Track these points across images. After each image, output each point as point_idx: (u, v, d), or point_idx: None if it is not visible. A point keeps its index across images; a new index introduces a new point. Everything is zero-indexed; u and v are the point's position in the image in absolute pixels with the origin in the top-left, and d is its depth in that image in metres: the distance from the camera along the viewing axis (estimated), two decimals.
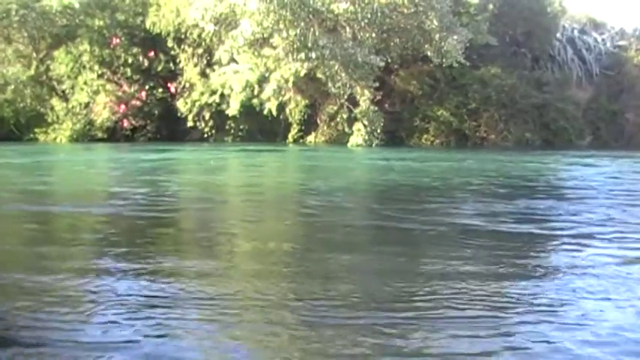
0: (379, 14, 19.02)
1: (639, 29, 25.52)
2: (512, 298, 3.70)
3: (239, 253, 5.14)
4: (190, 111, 21.76)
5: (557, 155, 16.66)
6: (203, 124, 21.86)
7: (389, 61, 20.41)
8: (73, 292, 3.73)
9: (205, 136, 21.94)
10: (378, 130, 20.30)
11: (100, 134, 21.49)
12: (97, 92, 21.83)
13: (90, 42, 22.04)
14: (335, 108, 20.97)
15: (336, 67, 19.52)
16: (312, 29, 18.97)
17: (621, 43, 25.06)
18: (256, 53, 20.14)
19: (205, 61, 22.03)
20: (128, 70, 22.04)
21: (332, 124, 21.28)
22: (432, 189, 9.52)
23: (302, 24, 18.89)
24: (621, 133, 23.23)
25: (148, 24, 22.10)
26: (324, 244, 5.48)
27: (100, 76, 22.04)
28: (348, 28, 19.74)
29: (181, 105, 21.88)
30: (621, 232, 5.75)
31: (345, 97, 20.38)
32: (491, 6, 21.97)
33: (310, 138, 21.58)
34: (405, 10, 19.43)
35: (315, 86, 20.79)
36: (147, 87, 21.99)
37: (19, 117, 21.91)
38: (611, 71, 23.96)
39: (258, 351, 2.95)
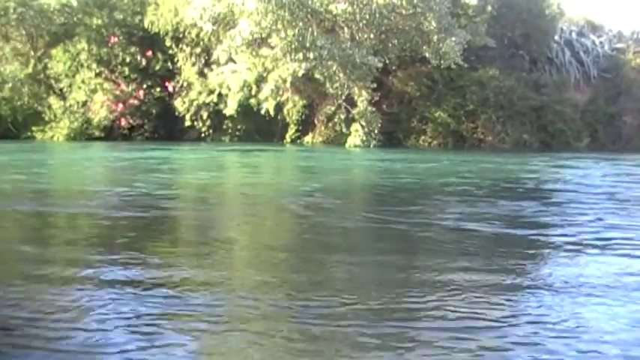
0: (377, 15, 19.03)
1: (637, 32, 25.54)
2: (505, 305, 3.67)
3: (229, 257, 5.13)
4: (188, 110, 21.73)
5: (554, 157, 16.67)
6: (201, 124, 21.84)
7: (387, 62, 20.41)
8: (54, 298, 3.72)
9: (203, 135, 21.92)
10: (376, 131, 20.29)
11: (97, 133, 21.45)
12: (94, 91, 21.78)
13: (88, 40, 21.99)
14: (333, 108, 20.95)
15: (334, 68, 19.51)
16: (310, 29, 18.97)
17: (619, 45, 25.07)
18: (254, 53, 20.13)
19: (203, 61, 22.00)
20: (126, 69, 22.00)
21: (329, 124, 21.27)
22: (420, 189, 9.52)
23: (300, 24, 18.89)
24: (619, 135, 23.24)
25: (146, 23, 22.06)
26: (314, 245, 5.49)
27: (97, 74, 21.99)
28: (346, 29, 19.74)
29: (179, 104, 21.86)
30: (614, 236, 5.73)
31: (343, 97, 20.37)
32: (489, 8, 21.98)
33: (308, 138, 21.57)
34: (404, 12, 19.43)
35: (313, 87, 20.79)
36: (144, 86, 21.95)
37: (17, 115, 21.85)
38: (609, 74, 23.96)
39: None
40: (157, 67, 22.20)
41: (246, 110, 21.04)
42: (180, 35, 21.99)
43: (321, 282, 4.17)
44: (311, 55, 18.97)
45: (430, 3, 19.29)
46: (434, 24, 19.40)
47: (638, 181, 11.56)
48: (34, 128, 21.71)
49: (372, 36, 19.74)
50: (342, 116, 20.74)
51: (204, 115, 21.69)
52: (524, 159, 15.99)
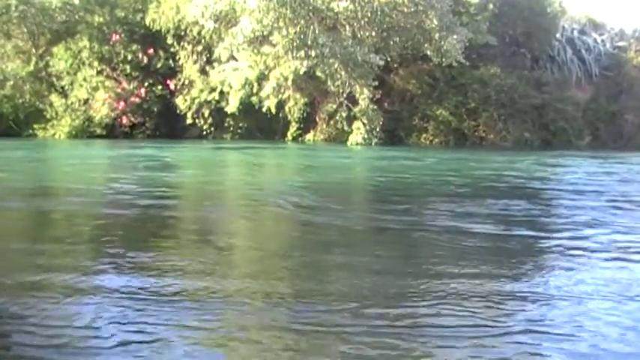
0: (379, 13, 19.01)
1: (639, 30, 25.50)
2: (502, 310, 3.64)
3: (224, 254, 5.14)
4: (189, 108, 21.74)
5: (556, 156, 16.66)
6: (202, 122, 21.84)
7: (388, 59, 20.40)
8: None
9: (204, 133, 21.93)
10: (377, 129, 20.29)
11: (98, 131, 21.46)
12: (96, 89, 21.79)
13: (89, 38, 22.01)
14: (334, 106, 20.95)
15: (336, 66, 19.50)
16: (311, 27, 18.95)
17: (621, 44, 25.04)
18: (256, 51, 20.12)
19: (205, 59, 22.00)
20: (127, 66, 22.00)
21: (331, 122, 21.27)
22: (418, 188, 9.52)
23: (302, 22, 18.88)
24: (620, 133, 23.23)
25: (147, 21, 22.06)
26: (308, 245, 5.50)
27: (99, 72, 22.00)
28: (347, 27, 19.73)
29: (180, 102, 21.86)
30: (612, 238, 5.68)
31: (345, 95, 20.37)
32: (491, 6, 21.96)
33: (309, 136, 21.57)
34: (405, 9, 19.41)
35: (315, 84, 20.78)
36: (146, 84, 21.95)
37: (18, 113, 21.86)
38: (611, 72, 23.95)
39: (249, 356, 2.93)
40: (159, 65, 22.20)
41: (248, 108, 21.04)
42: (182, 33, 21.98)
43: (315, 284, 4.16)
44: (312, 53, 18.97)
45: (432, 1, 19.27)
46: (435, 22, 19.39)
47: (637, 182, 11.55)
48: (35, 126, 21.72)
49: (373, 34, 19.74)
50: (344, 114, 20.74)
51: (206, 112, 21.69)
52: (525, 157, 15.99)
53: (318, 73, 19.90)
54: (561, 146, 20.76)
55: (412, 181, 10.56)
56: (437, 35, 19.56)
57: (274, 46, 19.69)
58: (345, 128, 20.77)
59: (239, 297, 3.67)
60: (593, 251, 5.10)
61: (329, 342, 3.03)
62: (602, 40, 24.94)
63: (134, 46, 22.08)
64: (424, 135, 21.54)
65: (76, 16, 22.23)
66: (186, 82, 22.09)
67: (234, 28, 19.50)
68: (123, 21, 22.33)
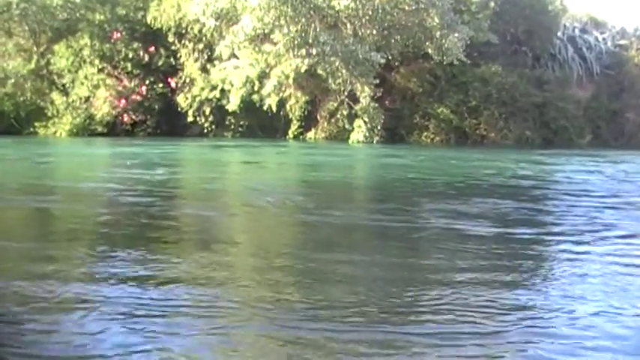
0: (380, 11, 19.00)
1: None
2: (501, 304, 3.65)
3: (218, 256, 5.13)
4: (190, 106, 21.74)
5: (556, 155, 16.65)
6: (203, 120, 21.84)
7: (389, 58, 20.39)
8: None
9: (205, 131, 21.93)
10: (378, 127, 20.28)
11: (100, 129, 21.46)
12: (97, 87, 21.78)
13: (90, 36, 22.00)
14: (335, 104, 20.94)
15: (337, 64, 19.49)
16: (312, 25, 18.94)
17: (622, 42, 25.00)
18: (257, 49, 20.12)
19: (206, 57, 21.99)
20: (129, 64, 22.00)
21: (332, 120, 21.26)
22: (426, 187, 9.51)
23: (303, 20, 18.87)
24: (621, 132, 23.21)
25: (148, 19, 22.05)
26: (300, 242, 5.50)
27: (100, 70, 21.99)
28: (349, 25, 19.71)
29: (181, 100, 21.86)
30: (609, 235, 5.69)
31: (346, 93, 20.37)
32: (492, 4, 21.93)
33: (310, 134, 21.56)
34: (406, 7, 19.39)
35: (316, 82, 20.77)
36: (147, 82, 21.94)
37: (19, 111, 21.85)
38: (612, 70, 23.91)
39: None
40: (160, 63, 22.20)
41: (249, 106, 21.03)
42: (183, 31, 21.98)
43: (308, 280, 4.16)
44: (314, 51, 18.96)
45: None
46: (437, 20, 19.37)
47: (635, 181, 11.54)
48: (36, 124, 21.72)
49: (374, 32, 19.72)
50: (345, 112, 20.74)
51: (207, 110, 21.69)
52: (526, 156, 15.98)
53: (319, 71, 19.89)
54: (562, 145, 20.75)
55: (412, 179, 10.55)
56: (438, 33, 19.54)
57: (275, 44, 19.68)
58: (347, 126, 20.77)
59: (236, 301, 3.68)
60: (591, 253, 5.09)
61: (321, 347, 3.02)
62: (604, 39, 24.91)
63: (135, 44, 22.08)
64: (425, 133, 21.53)
65: (77, 14, 22.22)
66: (188, 80, 22.09)
67: (235, 26, 19.49)
68: (124, 19, 22.33)
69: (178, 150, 16.70)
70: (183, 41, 22.22)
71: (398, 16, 19.60)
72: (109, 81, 21.81)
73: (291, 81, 20.29)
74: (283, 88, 20.64)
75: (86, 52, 22.00)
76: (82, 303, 3.47)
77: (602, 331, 3.25)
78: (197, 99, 21.62)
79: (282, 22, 18.83)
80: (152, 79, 22.03)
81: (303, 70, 19.71)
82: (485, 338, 3.14)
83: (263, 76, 20.58)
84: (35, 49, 22.56)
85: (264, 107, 20.76)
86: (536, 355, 2.96)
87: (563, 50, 24.03)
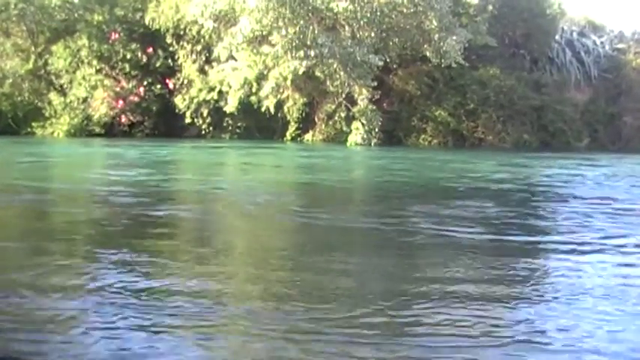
0: (378, 13, 19.01)
1: (638, 32, 25.49)
2: (494, 315, 3.61)
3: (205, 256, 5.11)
4: (188, 107, 21.71)
5: (554, 158, 16.66)
6: (201, 121, 21.82)
7: (388, 60, 20.39)
8: None
9: (203, 132, 21.90)
10: (376, 130, 20.28)
11: (97, 129, 21.43)
12: (95, 87, 21.75)
13: (89, 37, 21.97)
14: (333, 107, 20.94)
15: (335, 66, 19.49)
16: (311, 27, 18.95)
17: (620, 46, 25.04)
18: (255, 51, 20.10)
19: (204, 58, 21.98)
20: (127, 65, 21.97)
21: (330, 122, 21.25)
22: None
23: (301, 22, 18.88)
24: (619, 135, 23.23)
25: (147, 20, 22.03)
26: (289, 246, 5.48)
27: (98, 71, 21.96)
28: (347, 27, 19.72)
29: (179, 101, 21.83)
30: (603, 241, 5.67)
31: (343, 95, 20.37)
32: (490, 7, 21.96)
33: (308, 136, 21.55)
34: (405, 10, 19.40)
35: (314, 84, 20.76)
36: (145, 83, 21.92)
37: (17, 111, 21.80)
38: (610, 74, 23.94)
39: None
40: (158, 64, 22.18)
41: (247, 108, 21.02)
42: (181, 32, 21.97)
43: (298, 281, 4.14)
44: (312, 53, 18.96)
45: (431, 2, 19.26)
46: (435, 23, 19.39)
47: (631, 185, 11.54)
48: (34, 124, 21.68)
49: (372, 34, 19.72)
50: (343, 114, 20.74)
51: (205, 112, 21.67)
52: (524, 158, 15.99)
53: (317, 73, 19.89)
54: (560, 148, 20.75)
55: (407, 182, 10.54)
56: (436, 36, 19.56)
57: (273, 45, 19.67)
58: (344, 128, 20.77)
59: (226, 298, 3.67)
60: (583, 253, 5.09)
61: (317, 346, 3.01)
62: (602, 42, 24.94)
63: (133, 45, 22.05)
64: (423, 136, 21.52)
65: (76, 15, 22.20)
66: (185, 81, 22.07)
67: (234, 27, 19.49)
68: (122, 20, 22.31)
69: (174, 151, 16.66)
70: (181, 42, 22.20)
71: (396, 18, 19.61)
72: (106, 82, 21.79)
73: (289, 83, 20.29)
74: (281, 90, 20.64)
75: (84, 52, 21.97)
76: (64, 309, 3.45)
77: (600, 342, 3.22)
78: (195, 100, 21.60)
79: (281, 23, 18.83)
80: (150, 80, 22.01)
81: (301, 72, 19.70)
82: (480, 340, 3.13)
83: (261, 78, 20.56)
84: (33, 49, 22.53)
85: (262, 109, 20.75)
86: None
87: (561, 54, 24.06)
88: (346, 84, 19.94)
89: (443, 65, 20.12)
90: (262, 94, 20.48)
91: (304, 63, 19.35)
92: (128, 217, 6.43)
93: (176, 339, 3.02)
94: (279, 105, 20.93)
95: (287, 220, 6.55)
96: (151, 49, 22.18)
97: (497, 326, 3.36)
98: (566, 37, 24.79)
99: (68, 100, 21.73)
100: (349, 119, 20.68)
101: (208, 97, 21.43)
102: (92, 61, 21.96)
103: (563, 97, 22.72)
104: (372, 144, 20.01)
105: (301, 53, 19.07)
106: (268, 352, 2.95)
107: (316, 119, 21.59)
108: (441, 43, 19.55)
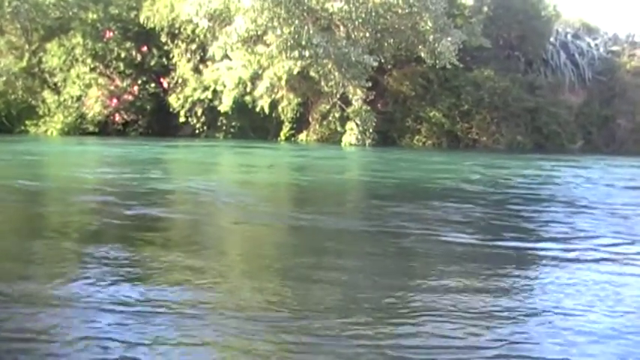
0: (373, 14, 19.01)
1: (632, 35, 25.58)
2: (487, 311, 3.64)
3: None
4: (182, 107, 21.68)
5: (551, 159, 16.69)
6: (195, 120, 21.79)
7: (382, 61, 20.42)
8: None
9: (197, 132, 21.88)
10: (371, 130, 20.30)
11: (91, 128, 21.39)
12: (89, 86, 21.70)
13: (83, 35, 21.91)
14: (327, 107, 20.94)
15: (330, 66, 19.50)
16: (306, 27, 18.93)
17: (614, 48, 25.10)
18: (250, 50, 20.09)
19: (198, 57, 21.95)
20: (121, 64, 21.92)
21: (324, 122, 21.25)
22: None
23: (296, 22, 18.86)
24: (612, 138, 23.28)
25: (141, 18, 21.97)
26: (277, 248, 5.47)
27: (92, 69, 21.91)
28: (342, 27, 19.73)
29: (173, 100, 21.80)
30: (594, 245, 5.68)
31: (338, 96, 20.37)
32: (485, 9, 21.99)
33: (302, 136, 21.54)
34: (400, 11, 19.41)
35: (308, 84, 20.76)
36: (139, 81, 21.88)
37: (10, 109, 21.75)
38: (604, 76, 23.99)
39: None
40: (152, 63, 22.14)
41: (241, 107, 21.00)
42: (176, 31, 21.93)
43: (290, 283, 4.14)
44: (306, 53, 18.95)
45: (426, 3, 19.26)
46: (430, 24, 19.40)
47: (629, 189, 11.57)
48: (27, 122, 21.63)
49: (367, 35, 19.73)
50: (337, 115, 20.74)
51: (199, 111, 21.64)
52: (519, 161, 16.01)
53: (312, 74, 19.88)
54: (554, 150, 20.80)
55: (400, 183, 10.55)
56: (431, 37, 19.57)
57: (268, 45, 19.66)
58: (339, 129, 20.78)
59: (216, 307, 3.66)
60: (576, 260, 5.09)
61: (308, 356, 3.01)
62: (596, 45, 25.00)
63: (128, 44, 22.01)
64: (417, 137, 21.55)
65: (70, 13, 22.12)
66: (180, 80, 22.04)
67: (229, 27, 19.47)
68: (117, 18, 22.24)
69: (166, 150, 16.63)
70: (176, 41, 22.16)
71: (391, 19, 19.62)
72: (100, 80, 21.74)
73: (283, 83, 20.29)
74: (276, 90, 20.63)
75: (78, 50, 21.91)
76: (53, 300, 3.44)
77: (591, 338, 3.23)
78: (189, 99, 21.57)
79: (276, 23, 18.81)
80: (144, 79, 21.97)
81: (295, 72, 19.71)
82: (475, 347, 3.13)
83: (255, 78, 20.55)
84: (27, 47, 22.46)
85: (257, 109, 20.74)
86: None
87: (556, 56, 24.10)
88: (341, 84, 19.94)
89: (437, 66, 20.13)
90: (257, 93, 20.47)
91: (299, 63, 19.36)
92: (111, 217, 6.36)
93: (161, 350, 3.00)
94: (274, 105, 20.92)
95: (273, 222, 6.53)
96: (145, 48, 22.14)
97: (484, 339, 3.32)
98: (561, 39, 24.84)
99: (62, 99, 21.67)
100: (343, 119, 20.70)
101: (203, 97, 21.41)
102: (86, 59, 21.90)
103: (558, 99, 22.77)
104: (367, 144, 20.02)
105: (296, 53, 19.06)
106: None
107: (310, 119, 21.58)
108: (436, 44, 19.57)
